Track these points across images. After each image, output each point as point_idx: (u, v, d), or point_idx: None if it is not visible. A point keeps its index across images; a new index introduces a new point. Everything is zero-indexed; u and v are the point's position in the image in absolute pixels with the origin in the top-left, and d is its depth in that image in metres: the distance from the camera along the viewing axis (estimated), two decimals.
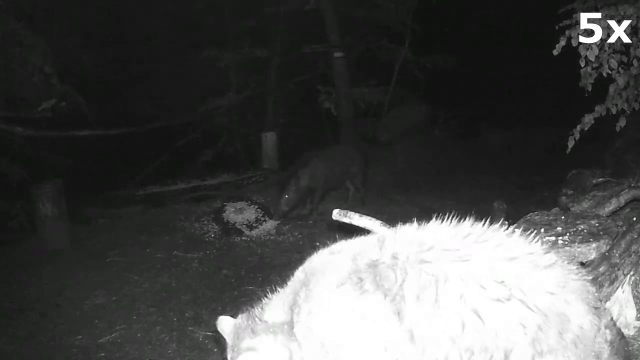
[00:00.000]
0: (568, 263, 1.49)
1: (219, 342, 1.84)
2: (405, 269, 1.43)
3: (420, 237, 1.51)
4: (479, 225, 1.52)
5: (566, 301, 1.37)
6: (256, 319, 1.64)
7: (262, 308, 1.67)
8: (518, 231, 1.53)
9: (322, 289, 1.51)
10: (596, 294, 1.50)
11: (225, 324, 1.76)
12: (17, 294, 4.98)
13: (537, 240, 1.50)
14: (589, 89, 3.86)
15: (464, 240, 1.47)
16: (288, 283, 1.69)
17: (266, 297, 1.72)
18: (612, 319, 1.55)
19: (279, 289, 1.71)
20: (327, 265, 1.58)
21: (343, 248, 1.64)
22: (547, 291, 1.36)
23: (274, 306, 1.65)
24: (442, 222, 1.56)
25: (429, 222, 1.58)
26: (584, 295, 1.42)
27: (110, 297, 4.79)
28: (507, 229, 1.55)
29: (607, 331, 1.47)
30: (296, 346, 1.53)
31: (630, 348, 2.28)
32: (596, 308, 1.43)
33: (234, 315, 1.77)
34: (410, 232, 1.57)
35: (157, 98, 9.94)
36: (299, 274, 1.66)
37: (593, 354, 1.39)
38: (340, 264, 1.54)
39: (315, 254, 1.71)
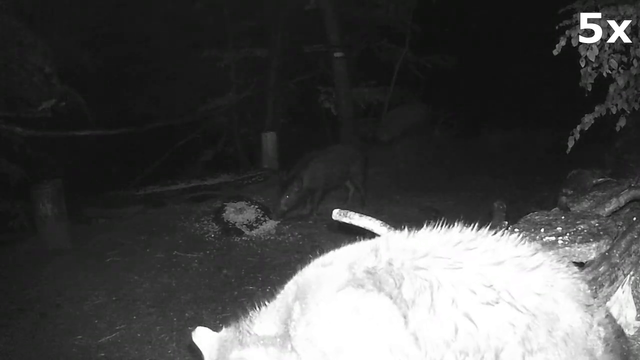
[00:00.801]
0: (557, 262, 1.52)
1: (195, 352, 1.81)
2: (401, 274, 1.47)
3: (412, 245, 1.55)
4: (468, 231, 1.57)
5: (554, 300, 1.41)
6: (244, 331, 1.62)
7: (250, 321, 1.65)
8: (506, 235, 1.57)
9: (319, 299, 1.51)
10: (588, 292, 1.52)
11: (203, 336, 1.73)
12: (17, 294, 4.98)
13: (524, 243, 1.54)
14: (589, 89, 3.86)
15: (454, 248, 1.51)
16: (278, 297, 1.67)
17: (254, 310, 1.69)
18: (607, 316, 1.56)
19: (267, 302, 1.69)
20: (321, 277, 1.58)
21: (334, 259, 1.64)
22: (534, 292, 1.41)
23: (264, 320, 1.63)
24: (432, 229, 1.60)
25: (419, 229, 1.61)
26: (574, 294, 1.45)
27: (110, 297, 4.79)
28: (496, 233, 1.58)
29: (601, 328, 1.49)
30: (293, 358, 1.53)
31: (631, 348, 2.28)
32: (587, 305, 1.46)
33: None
34: (402, 240, 1.59)
35: (157, 98, 9.94)
36: (291, 286, 1.65)
37: (585, 351, 1.42)
38: (335, 274, 1.55)
39: (305, 266, 1.69)
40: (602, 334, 1.48)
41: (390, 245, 1.57)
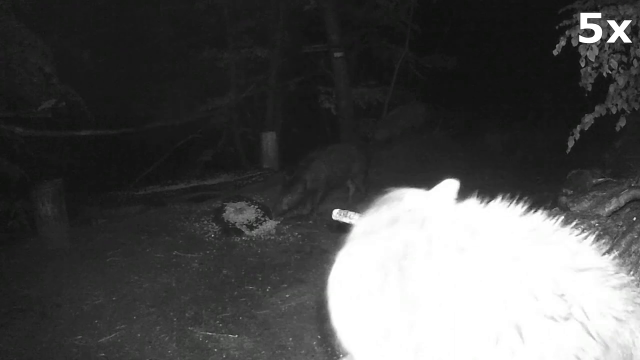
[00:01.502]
0: (637, 285, 1.12)
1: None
2: (438, 256, 1.08)
3: (474, 218, 1.18)
4: (546, 219, 1.17)
5: (632, 331, 1.05)
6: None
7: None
8: (591, 238, 1.15)
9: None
10: None
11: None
12: (17, 294, 4.97)
13: (606, 254, 1.14)
14: (589, 89, 3.87)
15: (527, 234, 1.12)
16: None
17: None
18: None
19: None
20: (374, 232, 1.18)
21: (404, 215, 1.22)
22: (613, 316, 1.04)
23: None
24: (507, 204, 1.22)
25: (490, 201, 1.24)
26: None
27: (110, 297, 4.79)
28: (579, 233, 1.16)
29: None
30: None
31: None
32: None
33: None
34: (462, 210, 1.24)
35: (157, 98, 9.94)
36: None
37: None
38: (375, 246, 1.15)
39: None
40: None
41: (441, 214, 1.20)
